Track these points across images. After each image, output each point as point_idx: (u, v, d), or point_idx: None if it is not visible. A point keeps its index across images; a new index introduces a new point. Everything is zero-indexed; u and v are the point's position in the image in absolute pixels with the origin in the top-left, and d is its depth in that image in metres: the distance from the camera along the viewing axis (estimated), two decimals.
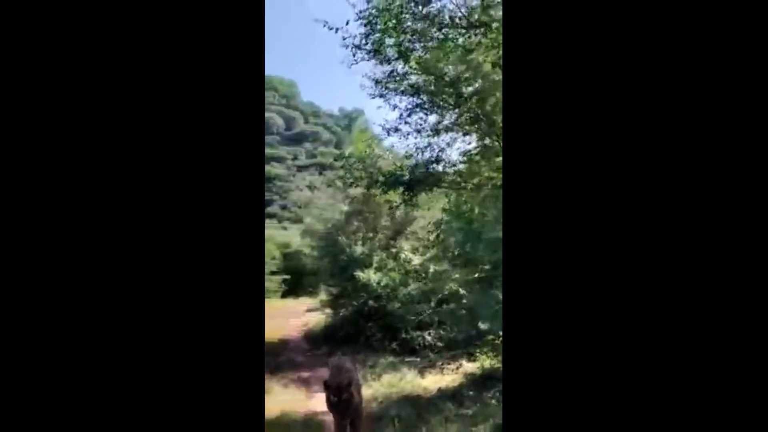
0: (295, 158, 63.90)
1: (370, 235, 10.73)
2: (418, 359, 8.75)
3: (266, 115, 71.07)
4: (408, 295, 9.41)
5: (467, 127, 6.74)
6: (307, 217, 14.62)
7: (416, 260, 9.66)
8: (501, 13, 4.89)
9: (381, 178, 7.29)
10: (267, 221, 46.70)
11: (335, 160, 9.04)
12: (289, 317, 14.12)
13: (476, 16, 5.68)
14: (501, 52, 4.48)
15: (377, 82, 6.72)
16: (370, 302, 9.86)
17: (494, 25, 5.16)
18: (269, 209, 54.74)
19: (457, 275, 7.72)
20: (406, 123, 6.96)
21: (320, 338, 11.12)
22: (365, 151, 8.37)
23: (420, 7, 6.00)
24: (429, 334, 9.42)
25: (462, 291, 7.51)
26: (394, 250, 10.18)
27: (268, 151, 66.59)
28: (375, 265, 10.05)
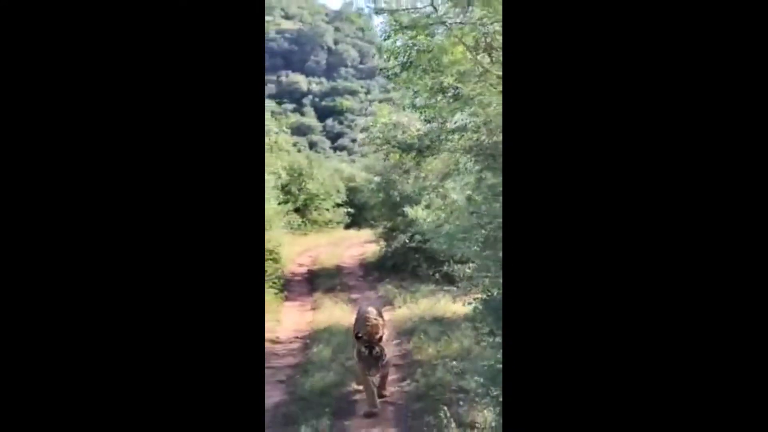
0: (368, 92, 64.34)
1: (422, 174, 11.59)
2: (456, 288, 9.74)
3: (340, 46, 71.25)
4: (452, 232, 10.31)
5: None
6: (370, 153, 15.54)
7: (462, 200, 10.49)
8: None
9: None
10: (336, 153, 47.86)
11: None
12: (349, 247, 15.35)
13: None
14: None
15: None
16: (417, 236, 10.83)
17: None
18: (340, 142, 55.93)
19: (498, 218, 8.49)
20: None
21: (373, 267, 12.29)
22: None
23: None
24: (468, 267, 10.36)
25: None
26: (441, 190, 11.03)
27: (341, 83, 67.22)
28: (424, 203, 10.96)
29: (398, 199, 11.35)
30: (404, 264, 11.16)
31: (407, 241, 11.07)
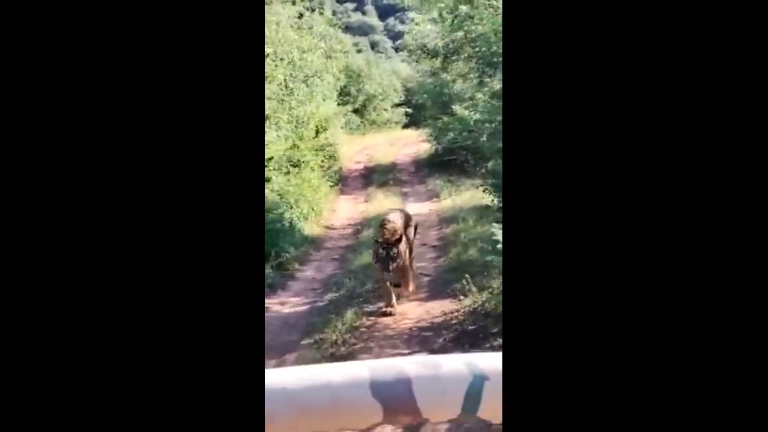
0: None
1: (471, 75, 12.01)
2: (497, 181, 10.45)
3: None
4: (495, 129, 10.86)
5: None
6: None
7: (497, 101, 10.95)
8: None
9: None
10: (397, 54, 47.26)
11: None
12: (405, 145, 16.10)
13: None
14: None
15: None
16: (465, 134, 11.44)
17: None
18: (401, 41, 54.91)
19: None
20: None
21: (424, 163, 13.06)
22: None
23: None
24: None
25: None
26: (487, 88, 11.47)
27: None
28: (471, 101, 11.47)
29: (447, 98, 11.88)
30: (453, 160, 11.86)
31: (456, 138, 11.71)
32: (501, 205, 6.68)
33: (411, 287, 5.79)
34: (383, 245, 5.41)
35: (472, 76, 11.43)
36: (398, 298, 5.69)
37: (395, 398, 0.77)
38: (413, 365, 0.77)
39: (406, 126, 21.19)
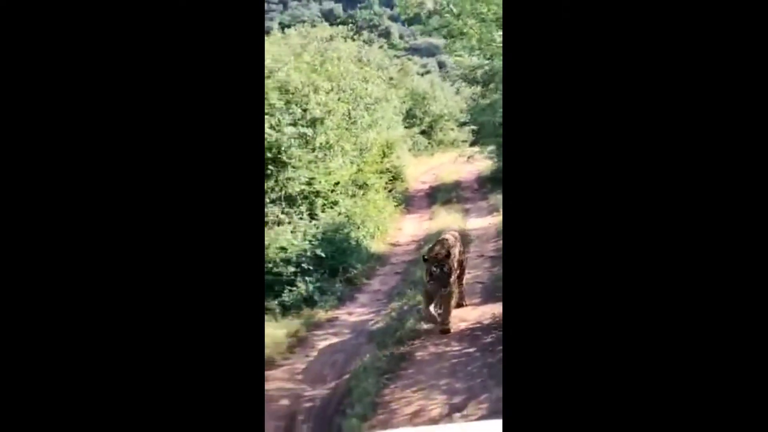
0: None
1: None
2: None
3: None
4: None
5: None
6: None
7: None
8: None
9: None
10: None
11: None
12: (470, 163, 16.60)
13: None
14: None
15: None
16: None
17: None
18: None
19: None
20: None
21: (487, 180, 13.55)
22: None
23: None
24: None
25: None
26: None
27: None
28: None
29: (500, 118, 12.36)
30: None
31: None
32: None
33: (448, 323, 5.85)
34: (433, 262, 5.67)
35: None
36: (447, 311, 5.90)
37: None
38: None
39: (473, 144, 21.55)
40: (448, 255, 5.77)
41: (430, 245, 6.18)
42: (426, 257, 5.84)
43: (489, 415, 4.46)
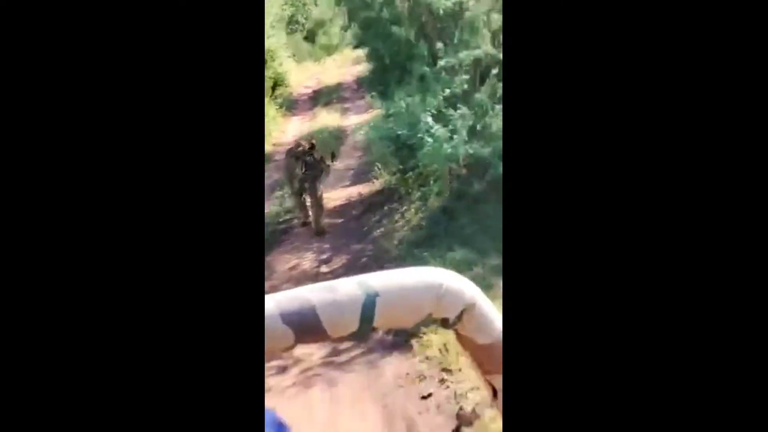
0: None
1: None
2: None
3: None
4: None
5: None
6: None
7: None
8: None
9: None
10: None
11: None
12: (352, 65, 17.28)
13: None
14: None
15: None
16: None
17: None
18: None
19: None
20: None
21: (364, 80, 14.38)
22: None
23: None
24: None
25: None
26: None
27: None
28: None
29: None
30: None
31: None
32: None
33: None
34: (304, 154, 6.36)
35: None
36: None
37: (303, 323, 0.83)
38: (313, 292, 0.82)
39: (356, 46, 22.04)
40: (313, 147, 6.53)
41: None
42: (291, 150, 6.62)
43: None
